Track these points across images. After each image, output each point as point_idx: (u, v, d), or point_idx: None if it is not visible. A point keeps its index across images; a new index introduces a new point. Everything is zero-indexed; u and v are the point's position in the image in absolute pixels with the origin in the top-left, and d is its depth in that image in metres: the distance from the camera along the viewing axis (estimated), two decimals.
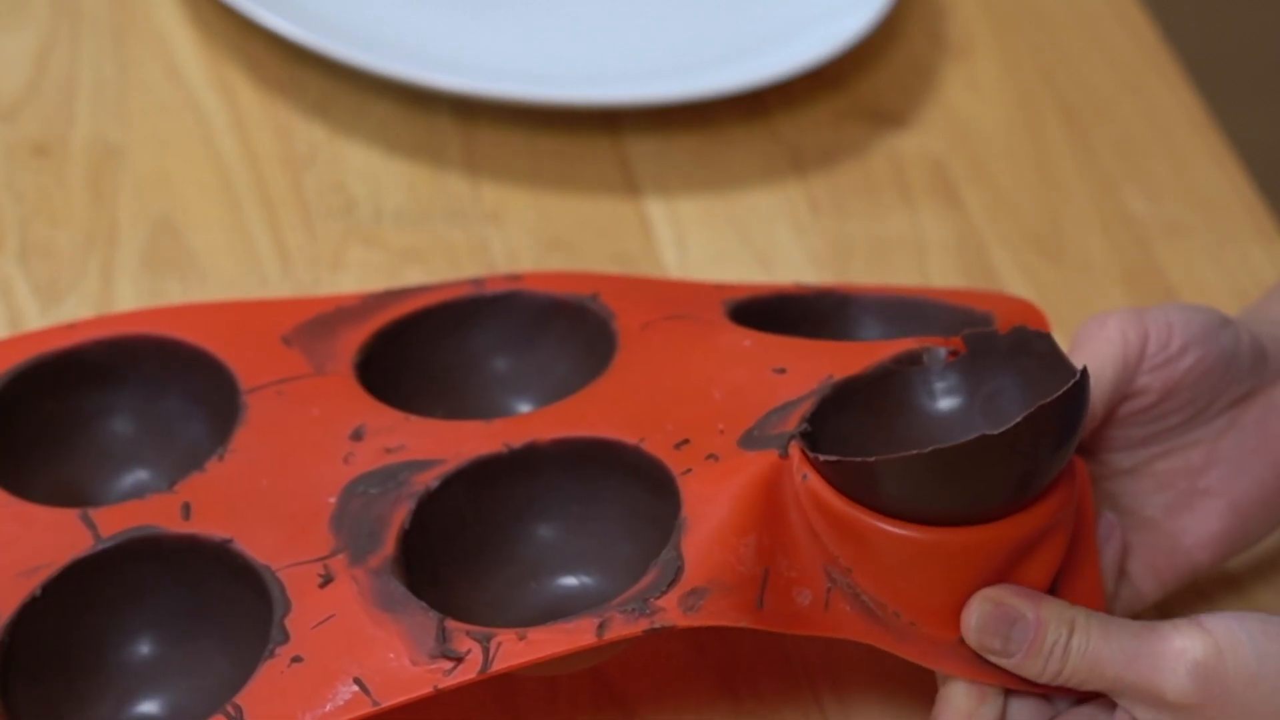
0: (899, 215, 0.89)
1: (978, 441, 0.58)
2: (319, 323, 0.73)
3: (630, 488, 0.65)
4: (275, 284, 0.81)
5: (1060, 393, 0.59)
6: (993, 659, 0.61)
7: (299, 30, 0.88)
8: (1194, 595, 0.74)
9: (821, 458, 0.60)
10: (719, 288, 0.74)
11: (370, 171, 0.87)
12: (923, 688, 0.65)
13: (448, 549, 0.65)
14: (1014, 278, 0.86)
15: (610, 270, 0.84)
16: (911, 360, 0.65)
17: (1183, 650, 0.59)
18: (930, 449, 0.58)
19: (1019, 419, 0.58)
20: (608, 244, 0.86)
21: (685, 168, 0.90)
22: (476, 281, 0.74)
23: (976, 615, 0.61)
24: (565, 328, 0.73)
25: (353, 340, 0.72)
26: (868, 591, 0.61)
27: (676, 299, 0.73)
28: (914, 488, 0.59)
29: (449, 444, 0.67)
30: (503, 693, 0.67)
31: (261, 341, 0.71)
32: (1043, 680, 0.61)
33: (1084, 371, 0.60)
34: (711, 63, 0.93)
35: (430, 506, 0.64)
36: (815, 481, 0.61)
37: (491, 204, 0.87)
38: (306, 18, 0.90)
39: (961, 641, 0.61)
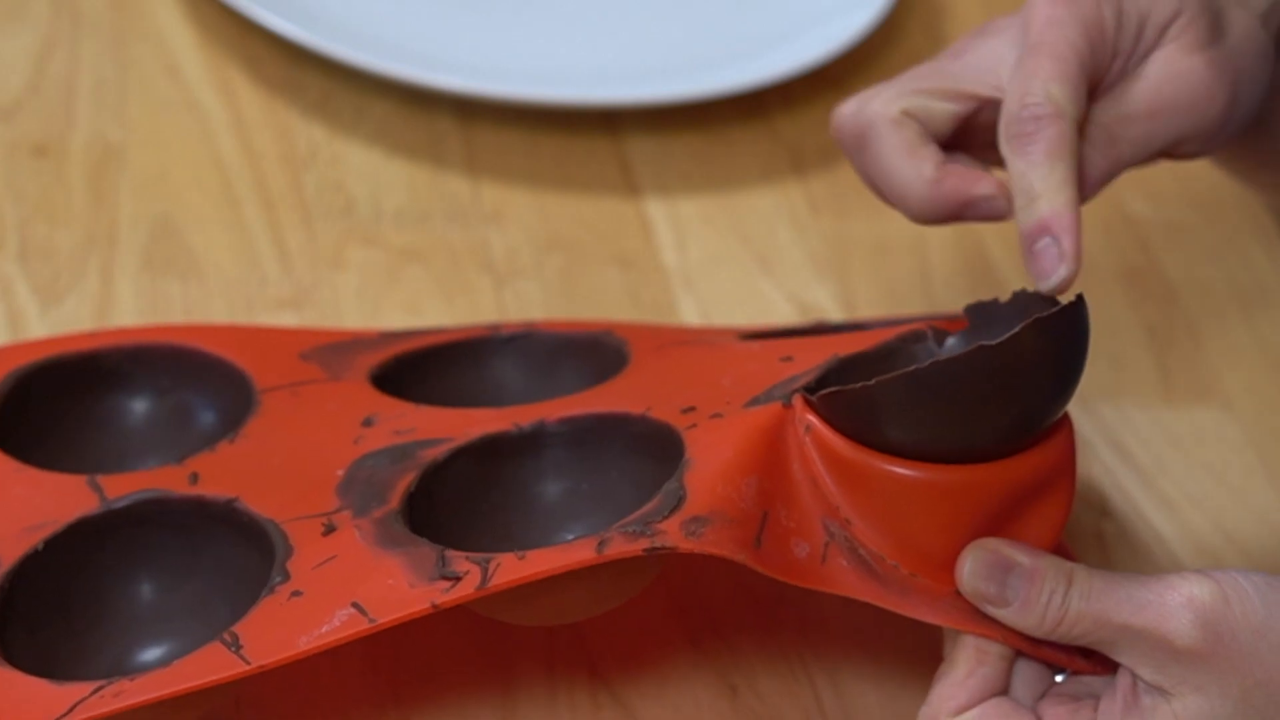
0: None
1: (974, 353, 0.58)
2: (336, 347, 0.73)
3: (637, 459, 0.65)
4: (275, 284, 0.81)
5: (1056, 309, 0.59)
6: (989, 610, 0.60)
7: (299, 30, 0.88)
8: None
9: (822, 392, 0.60)
10: (733, 329, 0.75)
11: (370, 171, 0.87)
12: (923, 687, 0.65)
13: (452, 521, 0.64)
14: (1014, 278, 0.86)
15: (610, 270, 0.84)
16: (916, 338, 0.66)
17: (1190, 597, 0.58)
18: (928, 362, 0.58)
19: (1015, 329, 0.58)
20: (608, 244, 0.86)
21: (685, 168, 0.90)
22: (493, 326, 0.75)
23: (971, 561, 0.60)
24: (580, 361, 0.74)
25: (368, 361, 0.73)
26: (866, 544, 0.61)
27: (690, 333, 0.74)
28: (913, 411, 0.59)
29: (459, 427, 0.67)
30: (503, 693, 0.67)
31: (278, 354, 0.72)
32: (1041, 633, 0.60)
33: (1080, 297, 0.60)
34: (711, 63, 0.93)
35: (437, 477, 0.64)
36: (818, 428, 0.61)
37: (491, 204, 0.87)
38: (306, 18, 0.90)
39: (959, 595, 0.61)
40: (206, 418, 0.71)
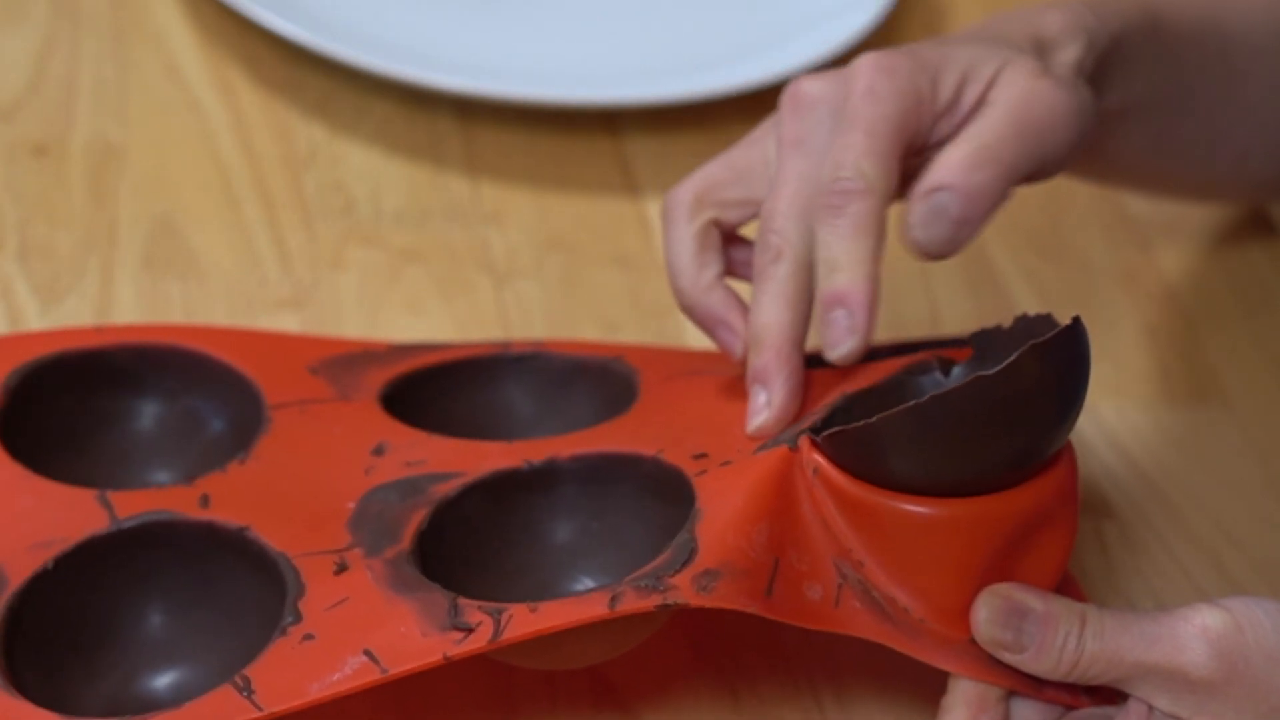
0: (898, 216, 0.89)
1: (973, 383, 0.58)
2: (345, 359, 0.74)
3: (648, 500, 0.65)
4: (275, 284, 0.81)
5: (1053, 333, 0.59)
6: (1005, 656, 0.61)
7: (299, 30, 0.88)
8: (1196, 598, 0.74)
9: (826, 432, 0.60)
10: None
11: (370, 171, 0.87)
12: (923, 689, 0.65)
13: (463, 557, 0.65)
14: (1014, 278, 0.86)
15: (610, 270, 0.84)
16: (923, 369, 0.66)
17: (1204, 627, 0.59)
18: (928, 396, 0.58)
19: (1013, 356, 0.58)
20: (608, 244, 0.86)
21: (685, 168, 0.89)
22: (503, 344, 0.75)
23: (986, 609, 0.60)
24: (589, 387, 0.74)
25: (377, 378, 0.72)
26: (878, 586, 0.61)
27: (698, 360, 0.74)
28: (917, 445, 0.59)
29: (470, 460, 0.67)
30: (503, 694, 0.67)
31: (287, 366, 0.72)
32: (1058, 675, 0.60)
33: (1077, 319, 0.60)
34: (711, 63, 0.93)
35: (447, 514, 0.65)
36: (825, 469, 0.61)
37: (491, 204, 0.87)
38: (306, 18, 0.90)
39: (972, 641, 0.61)
40: (216, 426, 0.71)
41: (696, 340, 0.82)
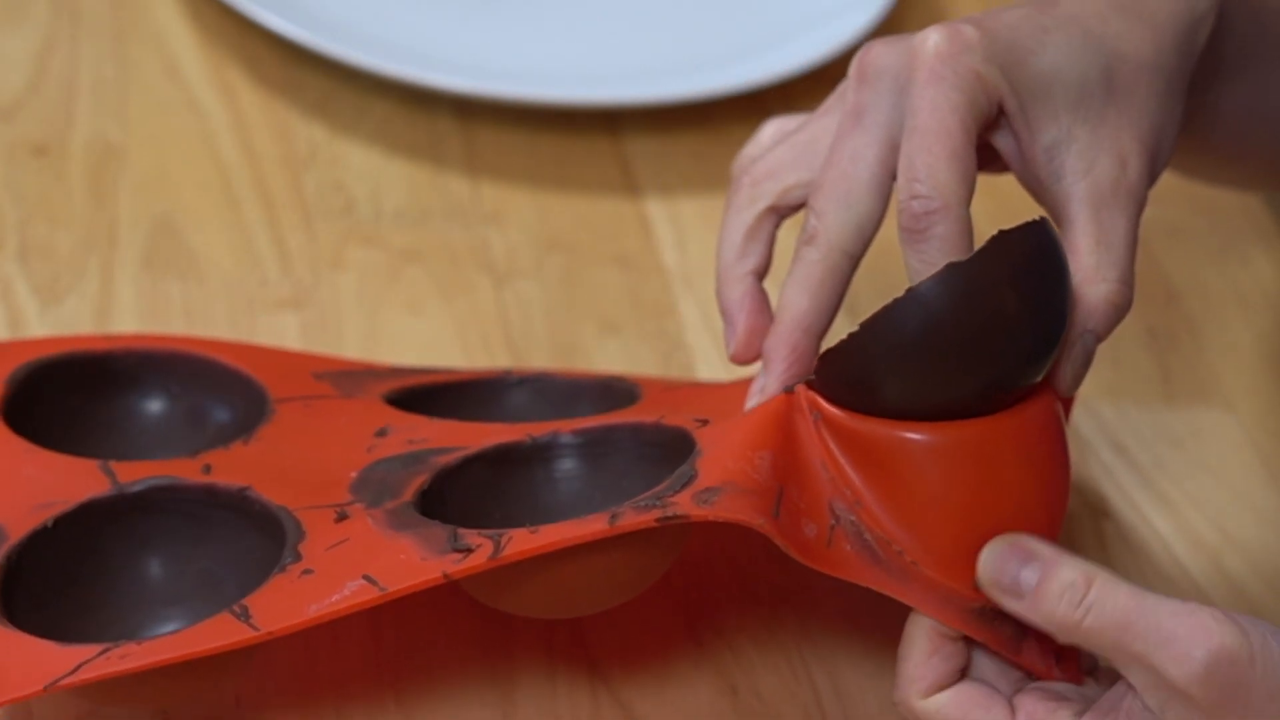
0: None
1: (946, 271, 0.58)
2: (348, 373, 0.74)
3: (652, 467, 0.65)
4: (275, 284, 0.81)
5: (1019, 225, 0.59)
6: (1004, 601, 0.59)
7: (299, 30, 0.88)
8: (1196, 598, 0.74)
9: (820, 354, 0.60)
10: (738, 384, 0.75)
11: (370, 171, 0.87)
12: None
13: (462, 524, 0.65)
14: None
15: (610, 270, 0.84)
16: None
17: (1219, 648, 0.55)
18: (904, 292, 0.58)
19: (983, 245, 0.58)
20: (608, 244, 0.86)
21: (685, 168, 0.90)
22: (505, 371, 0.76)
23: (991, 549, 0.59)
24: (592, 400, 0.74)
25: (381, 388, 0.73)
26: (872, 528, 0.60)
27: (700, 388, 0.74)
28: (903, 348, 0.59)
29: (473, 438, 0.67)
30: (502, 692, 0.67)
31: (292, 373, 0.72)
32: (1053, 627, 0.58)
33: (1042, 218, 0.60)
34: (711, 63, 0.93)
35: (449, 480, 0.65)
36: (827, 410, 0.61)
37: (491, 204, 0.87)
38: (306, 18, 0.90)
39: (961, 591, 0.60)
40: (220, 418, 0.71)
41: (696, 336, 0.82)
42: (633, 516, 0.58)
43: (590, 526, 0.58)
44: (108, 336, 0.73)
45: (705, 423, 0.64)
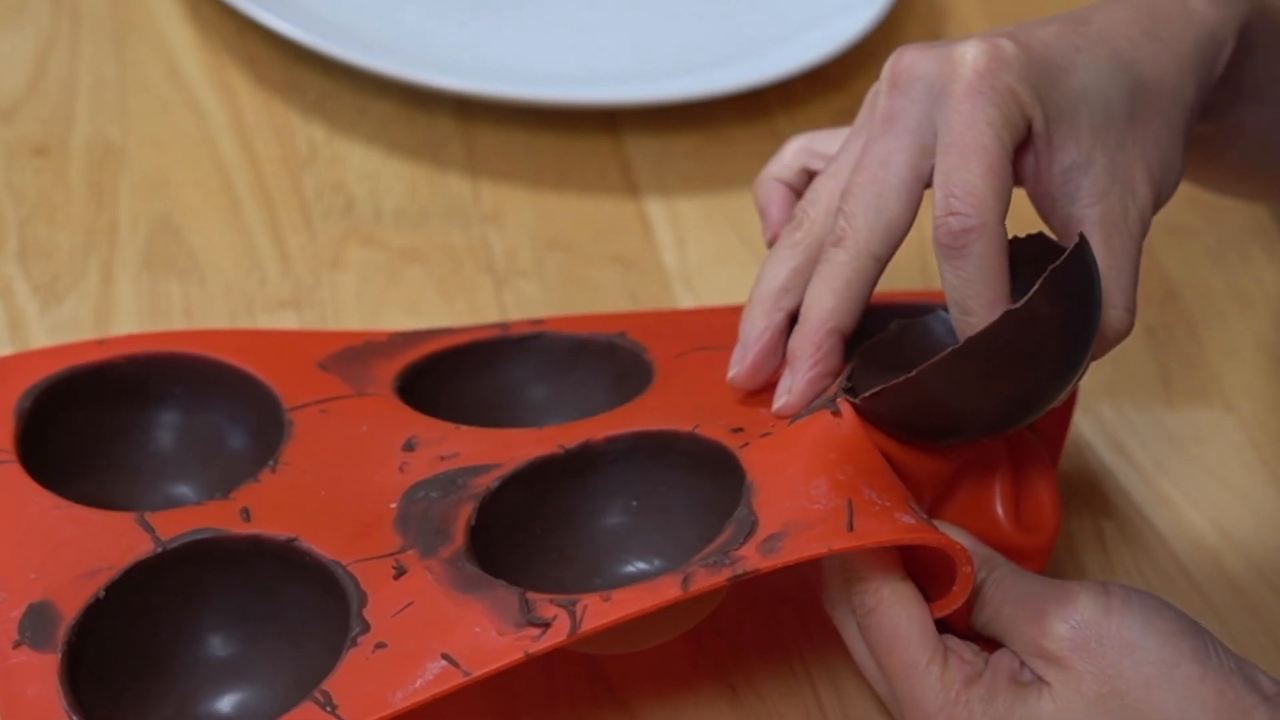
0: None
1: (1004, 318, 0.59)
2: (350, 353, 0.73)
3: (688, 475, 0.65)
4: (275, 284, 0.81)
5: (1065, 255, 0.60)
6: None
7: (299, 30, 0.88)
8: (1196, 598, 0.74)
9: (865, 395, 0.61)
10: (735, 310, 0.75)
11: (370, 171, 0.87)
12: None
13: (511, 548, 0.65)
14: None
15: (610, 270, 0.84)
16: (914, 312, 0.67)
17: (1076, 608, 0.61)
18: (963, 342, 0.59)
19: (1034, 288, 0.59)
20: (608, 244, 0.86)
21: (685, 168, 0.90)
22: (501, 325, 0.75)
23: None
24: (593, 364, 0.74)
25: (386, 370, 0.72)
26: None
27: (702, 330, 0.74)
28: (960, 387, 0.60)
29: (502, 449, 0.67)
30: (503, 693, 0.67)
31: (296, 365, 0.72)
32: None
33: (1082, 236, 0.60)
34: (711, 63, 0.93)
35: (490, 507, 0.64)
36: (874, 432, 0.62)
37: (491, 204, 0.87)
38: (306, 18, 0.90)
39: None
40: (235, 434, 0.70)
41: None
42: (705, 578, 0.59)
43: (664, 593, 0.59)
44: (101, 341, 0.72)
45: (741, 432, 0.64)
